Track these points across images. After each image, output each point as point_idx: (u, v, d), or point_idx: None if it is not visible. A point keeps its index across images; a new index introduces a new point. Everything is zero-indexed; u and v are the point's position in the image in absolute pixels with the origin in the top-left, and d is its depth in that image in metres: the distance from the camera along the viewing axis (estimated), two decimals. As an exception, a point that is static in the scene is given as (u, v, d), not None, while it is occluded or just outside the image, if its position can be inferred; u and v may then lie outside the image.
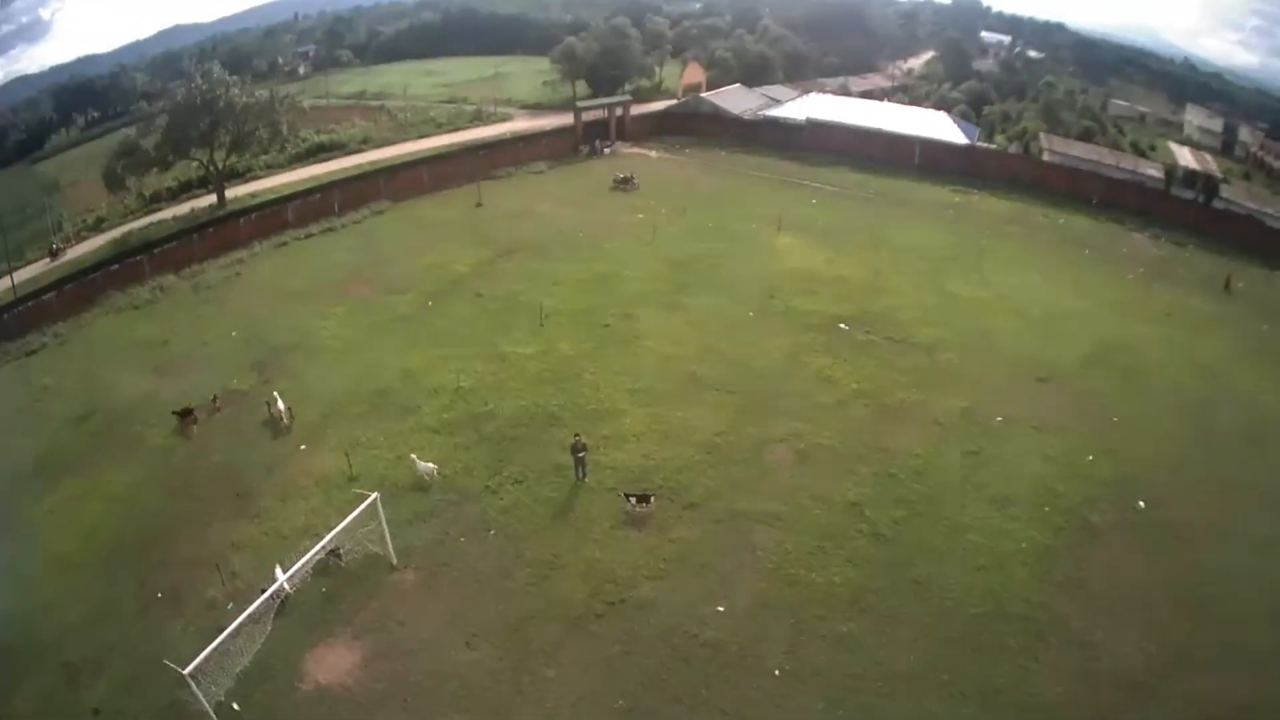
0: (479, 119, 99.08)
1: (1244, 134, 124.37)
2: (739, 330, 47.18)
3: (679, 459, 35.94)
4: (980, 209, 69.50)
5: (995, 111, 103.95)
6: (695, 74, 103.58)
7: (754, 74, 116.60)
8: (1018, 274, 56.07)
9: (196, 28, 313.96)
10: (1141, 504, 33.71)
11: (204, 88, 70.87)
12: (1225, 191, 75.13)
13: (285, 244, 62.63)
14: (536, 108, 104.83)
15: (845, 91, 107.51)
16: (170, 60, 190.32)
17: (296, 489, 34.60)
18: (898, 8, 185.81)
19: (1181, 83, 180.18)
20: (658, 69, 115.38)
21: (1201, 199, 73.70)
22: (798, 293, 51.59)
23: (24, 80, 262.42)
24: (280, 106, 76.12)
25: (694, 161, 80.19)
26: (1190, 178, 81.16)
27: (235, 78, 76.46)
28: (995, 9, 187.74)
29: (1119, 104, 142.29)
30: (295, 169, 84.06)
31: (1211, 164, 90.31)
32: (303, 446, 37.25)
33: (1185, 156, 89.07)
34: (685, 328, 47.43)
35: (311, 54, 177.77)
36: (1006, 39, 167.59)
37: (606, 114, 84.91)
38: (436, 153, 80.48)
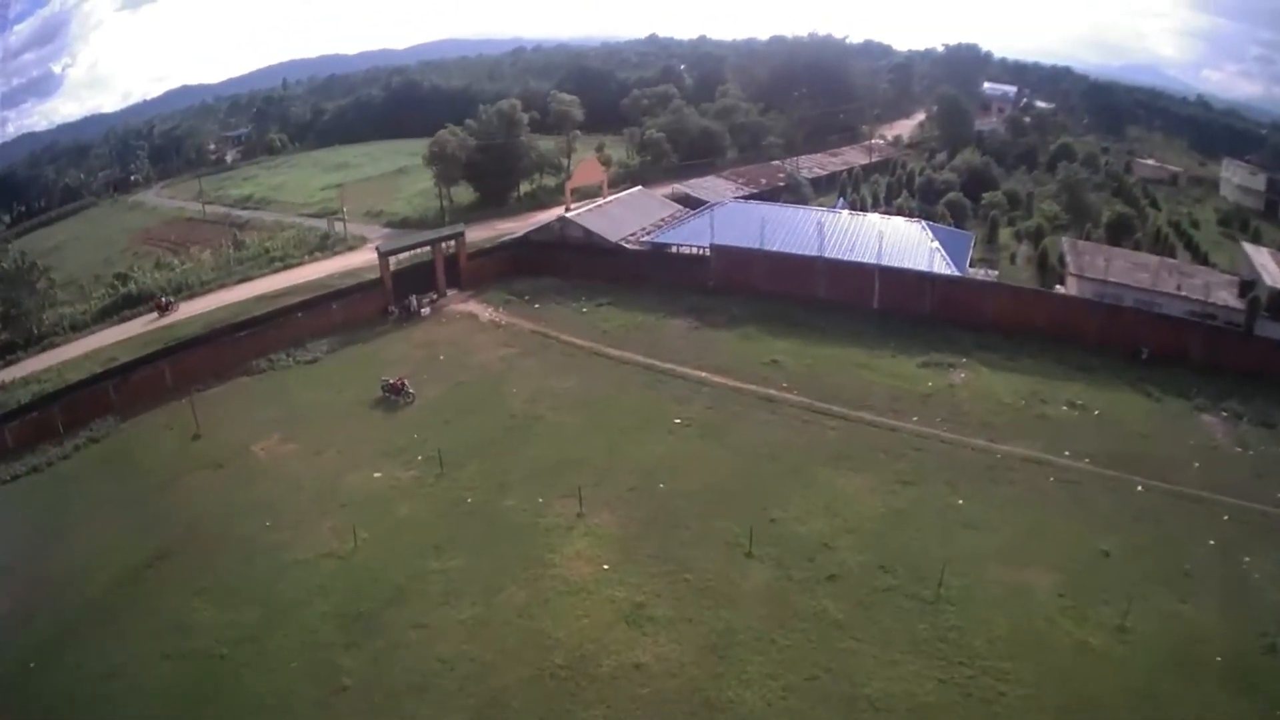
0: (323, 248, 70.77)
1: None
2: None
3: None
4: (966, 400, 40.31)
5: (998, 199, 72.98)
6: (591, 173, 73.86)
7: (697, 155, 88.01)
8: (1016, 585, 27.88)
9: (203, 88, 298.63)
10: None
11: None
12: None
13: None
14: (404, 225, 76.38)
15: (792, 182, 77.02)
16: (118, 139, 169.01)
17: None
18: (893, 59, 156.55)
19: (1203, 127, 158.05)
20: (566, 161, 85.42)
21: (1296, 340, 45.60)
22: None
23: (31, 137, 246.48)
24: (30, 276, 56.89)
25: (534, 328, 50.93)
26: (1277, 302, 51.26)
27: None
28: (998, 56, 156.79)
29: (1145, 164, 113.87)
30: (99, 330, 60.31)
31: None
32: None
33: (1268, 266, 57.87)
34: None
35: (244, 137, 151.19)
36: (1011, 90, 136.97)
37: (433, 253, 55.58)
38: (217, 323, 53.90)
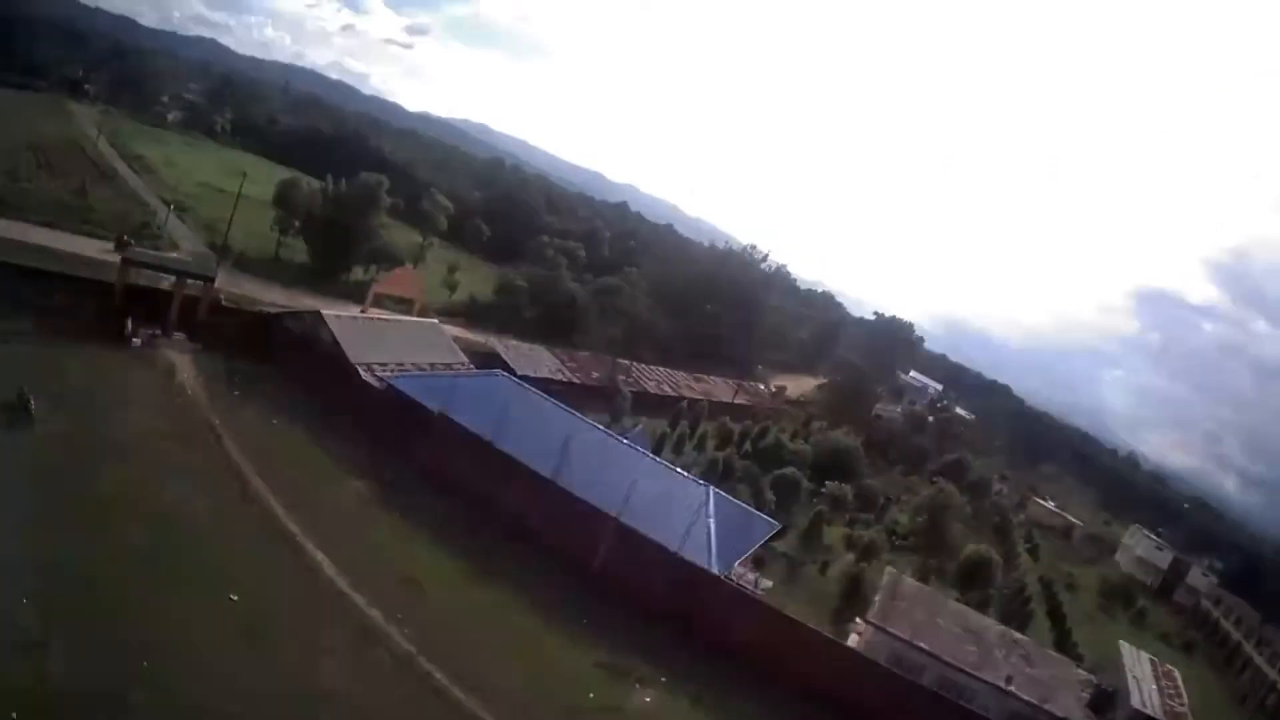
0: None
1: (1193, 576, 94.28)
2: None
3: None
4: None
5: (842, 492, 61.18)
6: (406, 284, 63.32)
7: (557, 321, 76.36)
8: None
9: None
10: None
11: None
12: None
13: None
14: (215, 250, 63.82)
15: (611, 389, 64.48)
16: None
17: None
18: (837, 314, 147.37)
19: (1124, 485, 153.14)
20: (413, 265, 74.77)
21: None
22: None
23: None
24: None
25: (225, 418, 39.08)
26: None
27: None
28: (934, 350, 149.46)
29: (1042, 505, 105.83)
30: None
31: (1178, 690, 47.81)
32: None
33: (1142, 681, 46.04)
34: None
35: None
36: (938, 387, 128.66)
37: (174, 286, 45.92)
38: None
